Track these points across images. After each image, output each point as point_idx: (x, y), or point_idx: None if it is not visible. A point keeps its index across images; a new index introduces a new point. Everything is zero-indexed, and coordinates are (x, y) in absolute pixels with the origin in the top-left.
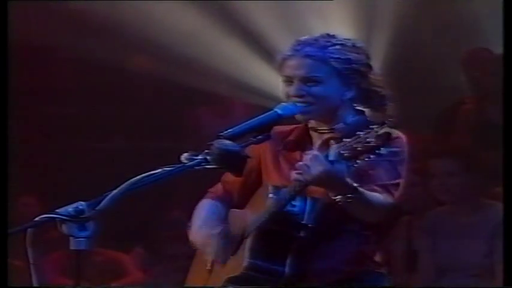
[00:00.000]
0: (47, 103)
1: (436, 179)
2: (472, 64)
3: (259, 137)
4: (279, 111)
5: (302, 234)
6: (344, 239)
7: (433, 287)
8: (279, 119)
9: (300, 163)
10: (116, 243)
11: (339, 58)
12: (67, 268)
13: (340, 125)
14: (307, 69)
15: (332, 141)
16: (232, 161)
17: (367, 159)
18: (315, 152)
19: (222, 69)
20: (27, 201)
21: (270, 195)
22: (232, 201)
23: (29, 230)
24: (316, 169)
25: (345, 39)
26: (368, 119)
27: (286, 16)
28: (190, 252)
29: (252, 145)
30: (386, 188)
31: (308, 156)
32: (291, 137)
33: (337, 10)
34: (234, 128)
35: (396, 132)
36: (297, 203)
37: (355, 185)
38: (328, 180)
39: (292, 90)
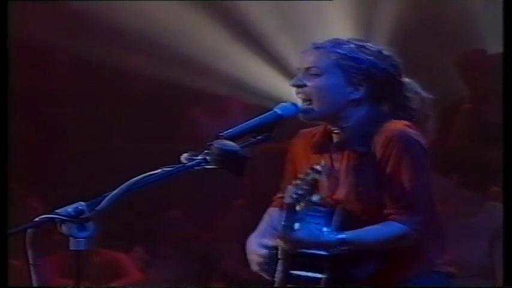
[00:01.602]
0: (47, 103)
1: (433, 179)
2: (466, 65)
3: (259, 137)
4: (279, 112)
5: (329, 252)
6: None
7: (433, 287)
8: (279, 119)
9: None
10: (115, 243)
11: (345, 55)
12: (67, 268)
13: (346, 124)
14: (311, 59)
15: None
16: (232, 162)
17: (304, 205)
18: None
19: (222, 69)
20: (27, 201)
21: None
22: None
23: (28, 230)
24: (289, 243)
25: (371, 44)
26: (375, 120)
27: (286, 16)
28: (189, 253)
29: (290, 150)
30: (405, 210)
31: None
32: (314, 139)
33: (337, 10)
34: (234, 128)
35: (413, 133)
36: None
37: (340, 237)
38: (307, 244)
39: (293, 80)
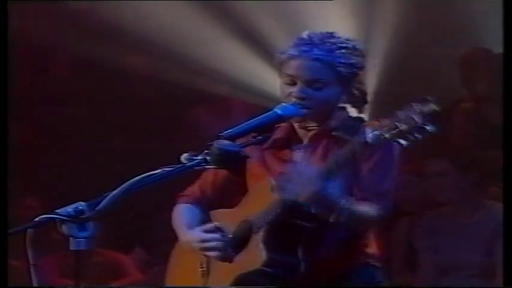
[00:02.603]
0: (47, 103)
1: (432, 179)
2: (468, 64)
3: (259, 137)
4: (279, 112)
5: (312, 224)
6: (341, 230)
7: (433, 287)
8: (279, 120)
9: (289, 177)
10: (115, 243)
11: (344, 63)
12: (67, 268)
13: (333, 124)
14: (315, 72)
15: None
16: (232, 162)
17: (413, 138)
18: (307, 167)
19: (222, 69)
20: (27, 201)
21: (275, 187)
22: (208, 204)
23: (28, 230)
24: (308, 189)
25: (347, 40)
26: (351, 114)
27: (286, 16)
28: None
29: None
30: (378, 197)
31: (298, 171)
32: (277, 135)
33: (337, 10)
34: (234, 129)
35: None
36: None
37: (344, 204)
38: (318, 201)
39: (295, 91)
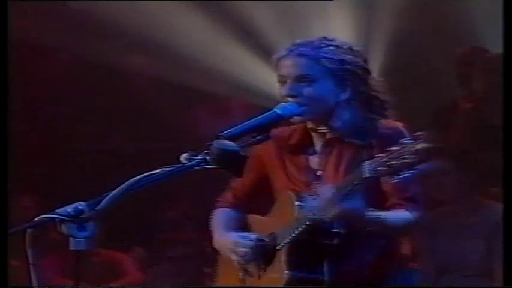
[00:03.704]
0: (47, 103)
1: (432, 178)
2: (465, 63)
3: (259, 137)
4: (279, 112)
5: (335, 241)
6: (371, 239)
7: (433, 287)
8: (279, 119)
9: (316, 197)
10: (115, 243)
11: (331, 58)
12: (66, 268)
13: (338, 123)
14: (300, 68)
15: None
16: (232, 161)
17: (402, 175)
18: (328, 189)
19: (222, 69)
20: (27, 201)
21: (296, 203)
22: (244, 208)
23: (28, 230)
24: (331, 212)
25: (342, 42)
26: (367, 117)
27: (286, 16)
28: (189, 253)
29: (257, 151)
30: (410, 201)
31: (322, 194)
32: (292, 140)
33: (337, 10)
34: (234, 128)
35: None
36: None
37: (374, 215)
38: (345, 218)
39: (285, 89)
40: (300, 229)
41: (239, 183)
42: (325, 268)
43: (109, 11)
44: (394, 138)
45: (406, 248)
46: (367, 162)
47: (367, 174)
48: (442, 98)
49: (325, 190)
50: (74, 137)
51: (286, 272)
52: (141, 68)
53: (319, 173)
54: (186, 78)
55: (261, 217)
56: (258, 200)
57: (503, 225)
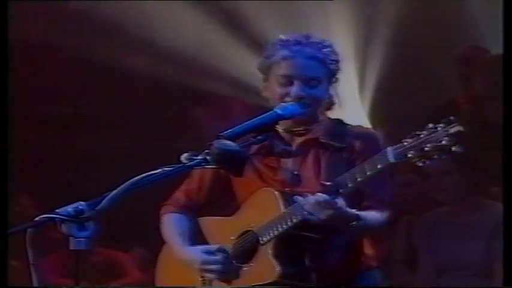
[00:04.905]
0: (47, 103)
1: (432, 178)
2: (465, 63)
3: (259, 137)
4: (279, 112)
5: (321, 235)
6: (342, 237)
7: (433, 287)
8: (279, 119)
9: (309, 202)
10: (115, 243)
11: (333, 60)
12: (67, 268)
13: (322, 125)
14: (311, 70)
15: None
16: (232, 161)
17: (438, 159)
18: (322, 196)
19: (222, 69)
20: (27, 201)
21: (281, 201)
22: (197, 211)
23: (28, 230)
24: (325, 214)
25: (324, 39)
26: (340, 119)
27: (286, 16)
28: None
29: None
30: (384, 204)
31: (316, 200)
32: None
33: (337, 10)
34: (234, 128)
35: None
36: None
37: (356, 213)
38: (335, 220)
39: (294, 90)
40: (288, 224)
41: (193, 185)
42: (308, 263)
43: (109, 11)
44: (371, 142)
45: (368, 248)
46: (390, 148)
47: (392, 160)
48: (442, 98)
49: (321, 197)
50: (74, 137)
51: (277, 267)
52: (141, 68)
53: (296, 172)
54: (186, 78)
55: (216, 218)
56: (212, 200)
57: (503, 225)
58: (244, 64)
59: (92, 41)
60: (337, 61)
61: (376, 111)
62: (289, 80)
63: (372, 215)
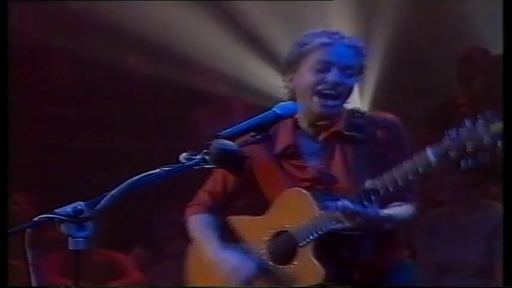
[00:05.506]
0: (47, 103)
1: (432, 178)
2: (466, 63)
3: (258, 136)
4: (278, 111)
5: (359, 232)
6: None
7: (433, 287)
8: (278, 119)
9: (343, 209)
10: (115, 243)
11: (364, 54)
12: (66, 268)
13: (339, 118)
14: (349, 58)
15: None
16: (231, 161)
17: (483, 158)
18: (349, 205)
19: (222, 69)
20: (27, 201)
21: (313, 202)
22: (220, 210)
23: (27, 230)
24: (356, 222)
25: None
26: (357, 108)
27: (286, 16)
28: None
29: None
30: (413, 195)
31: (346, 207)
32: (286, 142)
33: (337, 10)
34: (233, 128)
35: None
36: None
37: (387, 213)
38: (367, 225)
39: (330, 76)
40: (328, 228)
41: (218, 184)
42: (349, 259)
43: (109, 11)
44: (393, 129)
45: (402, 244)
46: (430, 148)
47: (433, 160)
48: (442, 98)
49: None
50: (74, 137)
51: (321, 268)
52: (141, 68)
53: (324, 169)
54: (185, 78)
55: (246, 218)
56: (236, 200)
57: (503, 225)
58: (244, 64)
59: (92, 41)
60: (366, 56)
61: (378, 106)
62: (326, 66)
63: (403, 210)
